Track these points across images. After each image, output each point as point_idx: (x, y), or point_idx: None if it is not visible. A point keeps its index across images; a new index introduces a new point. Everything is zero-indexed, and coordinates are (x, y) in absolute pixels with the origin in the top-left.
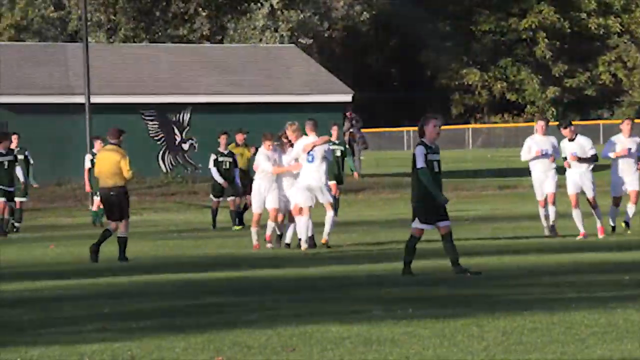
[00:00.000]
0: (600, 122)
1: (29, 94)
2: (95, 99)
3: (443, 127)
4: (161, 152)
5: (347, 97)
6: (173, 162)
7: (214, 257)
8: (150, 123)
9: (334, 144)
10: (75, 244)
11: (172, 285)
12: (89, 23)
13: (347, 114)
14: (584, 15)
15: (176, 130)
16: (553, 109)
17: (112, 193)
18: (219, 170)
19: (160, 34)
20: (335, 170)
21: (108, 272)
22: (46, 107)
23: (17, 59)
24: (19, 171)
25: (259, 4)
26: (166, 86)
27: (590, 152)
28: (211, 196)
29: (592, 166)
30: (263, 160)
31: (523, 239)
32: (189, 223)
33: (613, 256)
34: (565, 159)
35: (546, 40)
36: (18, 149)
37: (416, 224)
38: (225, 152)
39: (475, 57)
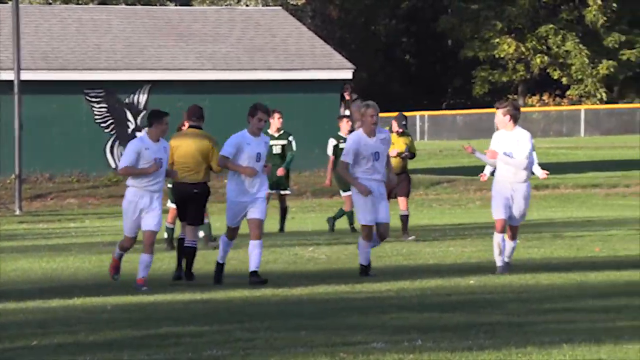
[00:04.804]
0: None
1: None
2: (26, 75)
3: (464, 112)
4: (109, 143)
5: (347, 74)
6: None
7: (172, 275)
8: (97, 106)
9: (273, 137)
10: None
11: (120, 311)
12: None
13: (345, 94)
14: None
15: (129, 115)
16: (603, 91)
17: (195, 190)
18: None
19: None
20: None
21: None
22: None
23: None
24: None
25: None
26: (117, 59)
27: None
28: None
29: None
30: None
31: (562, 255)
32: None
33: None
34: None
35: (599, 1)
36: None
37: None
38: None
39: (509, 24)
